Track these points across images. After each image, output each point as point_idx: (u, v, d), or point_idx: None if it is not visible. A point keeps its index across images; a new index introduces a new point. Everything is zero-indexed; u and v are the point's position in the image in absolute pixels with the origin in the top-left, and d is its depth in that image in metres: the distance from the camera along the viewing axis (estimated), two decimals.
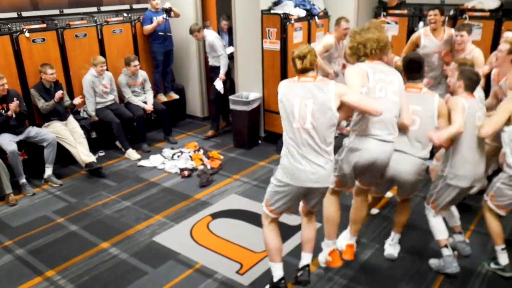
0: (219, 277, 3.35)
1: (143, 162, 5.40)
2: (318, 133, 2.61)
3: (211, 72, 6.23)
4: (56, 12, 5.64)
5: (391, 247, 3.55)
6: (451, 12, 5.39)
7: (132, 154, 5.56)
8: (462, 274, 3.31)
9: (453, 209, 3.48)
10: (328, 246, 3.29)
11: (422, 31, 4.86)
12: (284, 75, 5.48)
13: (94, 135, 5.66)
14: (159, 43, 6.22)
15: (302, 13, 5.55)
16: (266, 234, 2.94)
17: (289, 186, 2.72)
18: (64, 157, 5.17)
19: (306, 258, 3.05)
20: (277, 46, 5.42)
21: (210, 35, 5.95)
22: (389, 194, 4.29)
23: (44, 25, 5.33)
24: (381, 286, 3.24)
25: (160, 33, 6.15)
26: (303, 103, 2.58)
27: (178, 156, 5.44)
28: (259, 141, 5.96)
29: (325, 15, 6.01)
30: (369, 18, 6.24)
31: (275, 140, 5.75)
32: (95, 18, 5.86)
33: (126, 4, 6.39)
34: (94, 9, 6.02)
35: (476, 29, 5.08)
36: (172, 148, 5.74)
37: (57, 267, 3.49)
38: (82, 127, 5.30)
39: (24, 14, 5.34)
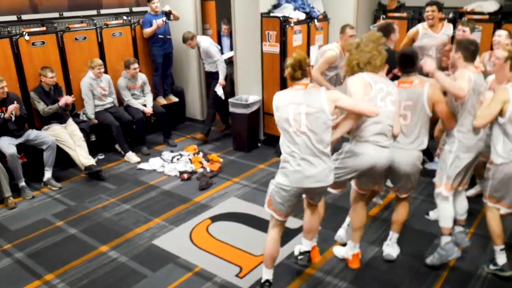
0: (218, 280, 3.34)
1: (142, 165, 5.39)
2: (314, 136, 2.68)
3: (208, 78, 6.20)
4: (56, 15, 5.65)
5: (390, 247, 3.55)
6: (450, 15, 5.40)
7: (131, 157, 5.56)
8: (461, 277, 3.32)
9: (464, 202, 3.54)
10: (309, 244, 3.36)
11: (420, 26, 4.91)
12: (283, 78, 5.48)
13: (93, 138, 5.65)
14: (159, 46, 6.23)
15: (302, 16, 5.55)
16: (267, 237, 3.01)
17: (289, 187, 2.77)
18: (63, 160, 5.16)
19: (307, 245, 3.23)
20: (276, 49, 5.42)
21: (204, 41, 5.92)
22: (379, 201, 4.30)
23: (44, 28, 5.34)
24: None
25: (160, 36, 6.16)
26: (297, 109, 2.68)
27: (178, 159, 5.44)
28: (259, 144, 5.96)
29: (325, 18, 6.01)
30: (368, 21, 6.26)
31: (274, 143, 5.74)
32: (95, 21, 5.86)
33: (125, 7, 6.40)
34: (94, 12, 6.03)
35: (476, 32, 5.09)
36: (172, 151, 5.74)
37: (56, 271, 3.49)
38: (82, 130, 5.30)
39: (24, 17, 5.35)
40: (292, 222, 3.86)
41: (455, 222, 3.51)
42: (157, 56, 6.26)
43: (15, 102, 4.58)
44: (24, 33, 5.04)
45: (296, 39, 5.54)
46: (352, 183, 3.32)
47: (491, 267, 3.32)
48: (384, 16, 6.11)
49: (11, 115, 4.59)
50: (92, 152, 5.39)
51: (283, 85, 5.51)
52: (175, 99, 6.68)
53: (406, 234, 3.70)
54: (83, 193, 4.79)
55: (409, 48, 3.58)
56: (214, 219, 4.21)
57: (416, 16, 5.83)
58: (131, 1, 6.48)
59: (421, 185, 4.63)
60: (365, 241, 3.72)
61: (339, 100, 2.73)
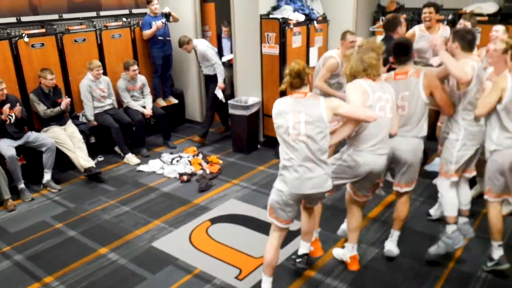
0: (218, 282, 3.34)
1: (142, 167, 5.39)
2: (313, 143, 2.70)
3: (206, 80, 6.17)
4: (55, 17, 5.64)
5: (391, 244, 3.56)
6: (450, 17, 5.41)
7: (131, 158, 5.55)
8: (461, 278, 3.31)
9: (467, 192, 3.60)
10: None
11: (417, 28, 4.91)
12: (282, 80, 5.47)
13: (93, 140, 5.65)
14: (158, 47, 6.23)
15: (301, 17, 5.56)
16: (267, 243, 3.00)
17: (288, 194, 2.79)
18: (63, 162, 5.16)
19: (305, 247, 3.28)
20: (276, 50, 5.43)
21: (201, 44, 5.90)
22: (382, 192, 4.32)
23: (43, 30, 5.34)
24: None
25: (159, 38, 6.16)
26: (296, 117, 2.69)
27: (177, 161, 5.43)
28: (258, 146, 5.95)
29: (324, 19, 6.02)
30: (368, 22, 6.27)
31: (274, 144, 5.72)
32: (94, 23, 5.87)
33: (125, 9, 6.40)
34: (93, 14, 6.03)
35: (475, 33, 5.09)
36: (171, 153, 5.73)
37: (55, 273, 3.48)
38: (81, 132, 5.30)
39: (23, 19, 5.34)
40: (293, 225, 3.84)
41: (459, 213, 3.54)
42: (157, 58, 6.26)
43: (18, 104, 4.59)
44: (23, 35, 5.05)
45: (296, 41, 5.55)
46: (347, 185, 3.35)
47: (489, 264, 3.33)
48: (383, 18, 6.11)
49: (10, 117, 4.58)
50: (92, 154, 5.38)
51: None
52: (175, 101, 6.68)
53: (406, 235, 3.69)
54: (83, 195, 4.78)
55: (403, 37, 3.60)
56: (214, 221, 4.20)
57: (415, 18, 5.84)
58: (131, 3, 6.48)
59: (421, 186, 4.63)
60: (364, 242, 3.72)
61: (338, 108, 2.76)
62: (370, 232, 3.89)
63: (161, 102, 6.48)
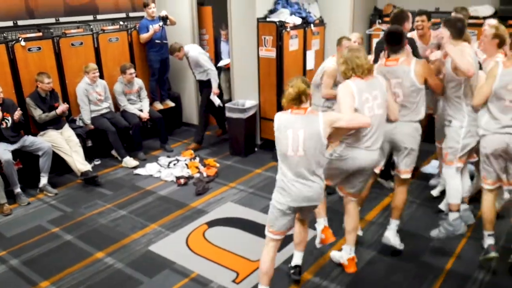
0: (215, 286, 3.33)
1: (139, 171, 5.37)
2: (311, 159, 2.77)
3: (200, 85, 6.13)
4: (52, 20, 5.64)
5: (389, 232, 3.60)
6: None
7: (129, 161, 5.54)
8: (458, 279, 3.32)
9: (467, 179, 3.70)
10: (319, 224, 3.56)
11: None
12: (280, 83, 5.50)
13: (89, 143, 5.64)
14: (156, 51, 6.23)
15: (298, 21, 5.57)
16: (262, 254, 3.02)
17: (285, 206, 2.86)
18: (59, 166, 5.14)
19: (298, 257, 3.32)
20: (273, 53, 5.43)
21: (193, 50, 5.85)
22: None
23: (40, 34, 5.34)
24: None
25: (157, 41, 6.16)
26: (295, 133, 2.75)
27: (174, 164, 5.43)
28: (256, 149, 5.95)
29: (321, 22, 6.03)
30: (364, 25, 6.29)
31: (271, 147, 5.71)
32: (91, 27, 5.87)
33: (122, 12, 6.40)
34: (90, 17, 6.02)
35: (471, 36, 5.10)
36: (168, 156, 5.73)
37: (52, 278, 3.46)
38: (78, 135, 5.28)
39: (20, 22, 5.34)
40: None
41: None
42: (154, 61, 6.26)
43: (18, 109, 4.59)
44: (20, 38, 5.04)
45: (293, 44, 5.56)
46: (341, 192, 3.40)
47: (481, 256, 3.41)
48: (380, 21, 6.14)
49: (6, 121, 4.57)
50: (88, 157, 5.37)
51: (280, 90, 5.52)
52: (172, 104, 6.68)
53: (402, 237, 3.68)
54: (79, 199, 4.77)
55: (395, 26, 3.65)
56: (211, 224, 4.20)
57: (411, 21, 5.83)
58: (128, 6, 6.48)
59: (418, 189, 4.64)
60: (361, 245, 3.71)
61: (336, 121, 2.83)
62: (366, 235, 3.89)
63: (158, 106, 6.47)
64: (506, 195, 3.53)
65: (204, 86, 5.98)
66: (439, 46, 4.72)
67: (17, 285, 3.40)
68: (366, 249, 3.70)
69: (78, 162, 5.02)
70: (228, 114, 5.71)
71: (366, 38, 6.20)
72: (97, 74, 5.48)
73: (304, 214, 3.13)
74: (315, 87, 4.38)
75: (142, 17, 6.25)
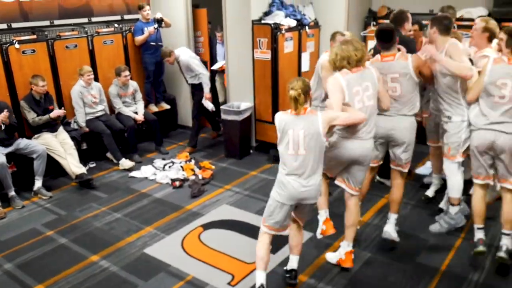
0: None
1: (134, 173, 5.36)
2: (311, 156, 2.85)
3: (192, 88, 6.11)
4: (47, 23, 5.62)
5: (388, 225, 3.65)
6: None
7: (125, 163, 5.51)
8: (453, 281, 3.32)
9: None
10: (321, 216, 3.58)
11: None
12: (275, 85, 5.50)
13: (84, 146, 5.62)
14: (151, 53, 6.22)
15: (293, 23, 5.58)
16: (257, 243, 3.11)
17: (283, 202, 2.92)
18: (54, 169, 5.11)
19: (294, 261, 3.31)
20: (268, 56, 5.44)
21: (184, 54, 5.80)
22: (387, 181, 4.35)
23: (34, 36, 5.31)
24: None
25: (152, 44, 6.16)
26: (296, 133, 2.83)
27: (170, 167, 5.41)
28: (251, 151, 5.95)
29: (316, 25, 6.05)
30: (359, 27, 6.31)
31: (266, 149, 5.75)
32: (86, 29, 5.85)
33: (117, 15, 6.39)
34: (85, 20, 6.01)
35: (465, 38, 5.14)
36: (164, 159, 5.71)
37: (46, 281, 3.44)
38: (73, 138, 5.26)
39: (14, 25, 5.31)
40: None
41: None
42: (149, 64, 6.26)
43: (5, 110, 4.54)
44: (14, 41, 5.02)
45: (287, 46, 5.57)
46: (342, 185, 3.39)
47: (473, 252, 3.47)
48: (374, 23, 6.16)
49: (1, 124, 4.55)
50: (83, 160, 5.35)
51: (275, 92, 5.53)
52: (167, 107, 6.67)
53: (398, 238, 3.69)
54: (74, 202, 4.74)
55: (385, 24, 3.70)
56: (206, 226, 4.19)
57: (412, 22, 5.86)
58: (123, 9, 6.47)
59: (412, 190, 4.65)
60: (358, 246, 3.72)
61: (334, 120, 2.92)
62: (362, 236, 3.89)
63: (153, 108, 6.46)
64: (499, 187, 3.53)
65: (196, 89, 5.94)
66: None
67: None
68: (362, 250, 3.71)
69: (73, 164, 5.00)
70: (223, 116, 5.71)
71: (360, 40, 6.21)
72: (92, 76, 5.46)
73: (302, 212, 3.13)
74: (315, 85, 4.40)
75: (137, 19, 6.25)
